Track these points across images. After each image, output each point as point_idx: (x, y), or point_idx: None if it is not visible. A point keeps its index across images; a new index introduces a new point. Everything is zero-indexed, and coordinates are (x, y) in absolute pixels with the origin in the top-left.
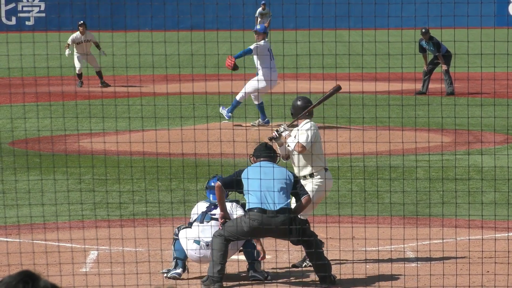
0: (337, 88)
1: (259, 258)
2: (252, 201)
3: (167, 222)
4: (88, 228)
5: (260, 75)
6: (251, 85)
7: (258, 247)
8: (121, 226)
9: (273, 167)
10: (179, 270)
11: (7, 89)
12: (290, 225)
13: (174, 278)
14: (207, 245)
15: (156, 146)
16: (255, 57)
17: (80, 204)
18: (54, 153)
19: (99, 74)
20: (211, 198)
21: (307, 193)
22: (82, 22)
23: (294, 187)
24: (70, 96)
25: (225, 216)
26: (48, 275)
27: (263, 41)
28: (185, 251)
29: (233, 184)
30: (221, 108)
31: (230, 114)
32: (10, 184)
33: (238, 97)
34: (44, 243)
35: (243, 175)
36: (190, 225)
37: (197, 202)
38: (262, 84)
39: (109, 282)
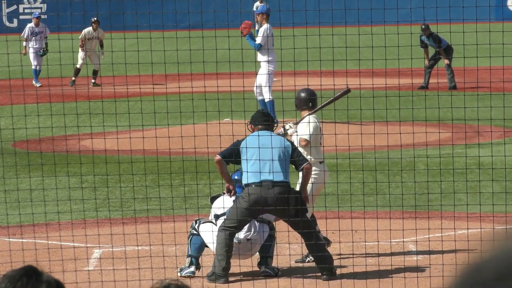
0: (346, 91)
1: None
2: (249, 175)
3: (169, 220)
4: (90, 227)
5: (264, 59)
6: (264, 78)
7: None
8: (122, 223)
9: (270, 135)
10: (192, 269)
11: (7, 90)
12: (286, 198)
13: (188, 277)
14: (248, 240)
15: (156, 142)
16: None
17: (81, 200)
18: (56, 153)
19: (95, 73)
20: (238, 191)
21: (307, 160)
22: (95, 19)
23: (292, 155)
24: (70, 96)
25: (230, 187)
26: (51, 271)
27: (267, 23)
28: (211, 244)
29: (232, 156)
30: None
31: (275, 119)
32: (12, 185)
33: (266, 99)
34: (46, 242)
35: (241, 146)
36: (216, 218)
37: (223, 195)
38: (273, 65)
39: (111, 279)
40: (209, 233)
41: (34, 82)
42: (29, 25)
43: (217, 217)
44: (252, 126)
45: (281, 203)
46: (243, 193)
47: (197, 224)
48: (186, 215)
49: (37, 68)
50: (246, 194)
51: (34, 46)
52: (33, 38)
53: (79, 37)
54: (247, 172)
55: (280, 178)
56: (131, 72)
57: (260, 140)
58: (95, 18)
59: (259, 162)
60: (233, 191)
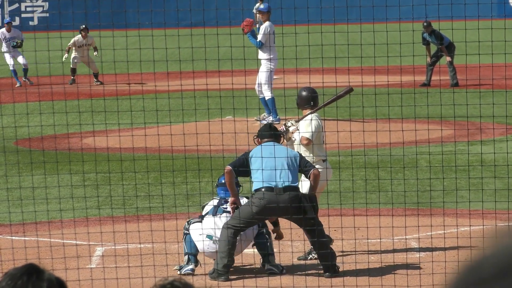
0: (349, 90)
1: (276, 238)
2: (258, 181)
3: (172, 217)
4: (93, 224)
5: (265, 57)
6: (264, 76)
7: (274, 228)
8: (125, 221)
9: (278, 146)
10: (191, 266)
11: (10, 88)
12: (297, 202)
13: (187, 275)
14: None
15: (158, 140)
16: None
17: (83, 198)
18: (58, 151)
19: (95, 75)
20: (222, 195)
21: (313, 166)
22: (84, 26)
23: (300, 164)
24: (72, 94)
25: (236, 201)
26: (53, 269)
27: (268, 21)
28: (197, 243)
29: (242, 166)
30: (267, 119)
31: (277, 116)
32: (15, 183)
33: (266, 96)
34: (49, 240)
35: (250, 156)
36: (201, 218)
37: (212, 200)
38: (274, 63)
39: (114, 276)
40: (197, 231)
41: (26, 82)
42: (0, 30)
43: (202, 217)
44: (259, 140)
45: (292, 207)
46: (255, 196)
47: (188, 225)
48: (188, 212)
49: (24, 67)
50: (258, 198)
51: (4, 50)
52: (5, 43)
53: (68, 44)
54: (257, 180)
55: (290, 184)
56: (133, 70)
57: (268, 150)
58: (84, 26)
59: (269, 171)
60: (236, 206)
